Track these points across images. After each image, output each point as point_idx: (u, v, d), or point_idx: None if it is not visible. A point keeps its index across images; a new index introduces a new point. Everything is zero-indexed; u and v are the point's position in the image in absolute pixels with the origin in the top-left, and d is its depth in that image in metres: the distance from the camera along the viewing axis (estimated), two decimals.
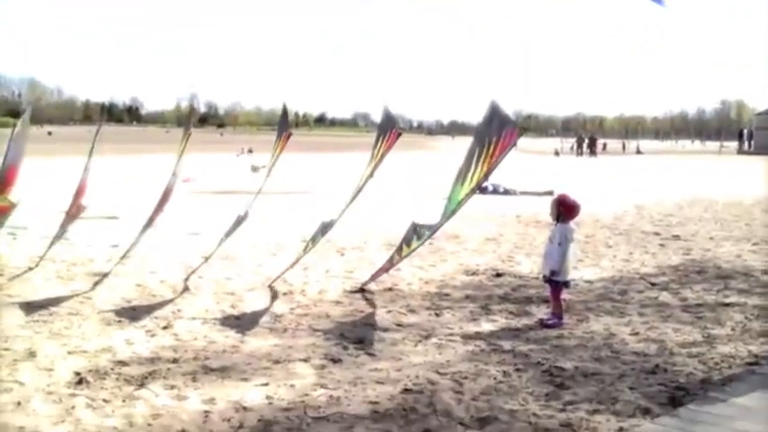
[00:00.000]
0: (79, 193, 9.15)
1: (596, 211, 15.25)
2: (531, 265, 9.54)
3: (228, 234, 8.67)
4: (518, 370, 5.52)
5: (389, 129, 7.67)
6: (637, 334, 6.53)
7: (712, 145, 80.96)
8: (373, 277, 8.33)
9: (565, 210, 7.00)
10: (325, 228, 8.29)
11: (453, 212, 6.99)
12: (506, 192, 18.80)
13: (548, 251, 7.02)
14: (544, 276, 7.07)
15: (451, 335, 6.46)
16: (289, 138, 8.36)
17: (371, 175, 7.57)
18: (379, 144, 7.77)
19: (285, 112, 8.91)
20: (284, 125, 8.70)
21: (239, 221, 8.55)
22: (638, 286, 8.49)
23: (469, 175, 6.85)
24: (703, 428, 4.40)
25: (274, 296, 7.85)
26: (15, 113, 79.51)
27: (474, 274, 9.11)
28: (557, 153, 50.33)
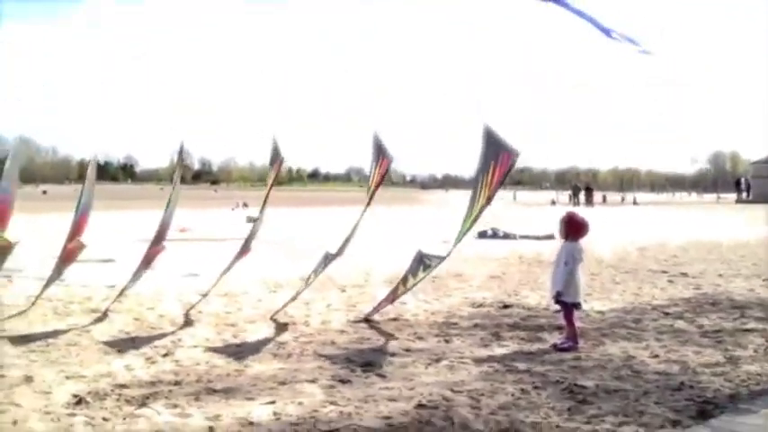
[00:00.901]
0: (78, 229, 8.94)
1: (599, 252, 15.10)
2: (538, 299, 9.33)
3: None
4: (536, 388, 5.28)
5: (380, 157, 7.58)
6: (656, 356, 6.30)
7: (709, 197, 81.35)
8: (378, 308, 8.10)
9: (572, 228, 6.87)
10: (327, 259, 8.11)
11: (460, 239, 6.85)
12: (506, 236, 18.67)
13: (555, 272, 6.85)
14: (554, 298, 6.86)
15: (463, 358, 6.22)
16: (281, 165, 8.22)
17: (368, 203, 7.48)
18: (373, 173, 7.69)
19: (275, 143, 8.65)
20: (276, 154, 8.47)
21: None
22: (652, 315, 8.27)
23: (475, 205, 6.81)
24: None
25: (277, 327, 7.61)
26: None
27: (481, 306, 8.89)
28: (553, 203, 50.48)
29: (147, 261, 8.56)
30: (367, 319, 7.93)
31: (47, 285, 9.03)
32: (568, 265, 6.68)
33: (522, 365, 5.92)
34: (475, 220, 6.71)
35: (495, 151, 6.41)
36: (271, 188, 8.27)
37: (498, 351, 6.51)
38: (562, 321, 7.59)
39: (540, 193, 72.42)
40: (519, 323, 7.78)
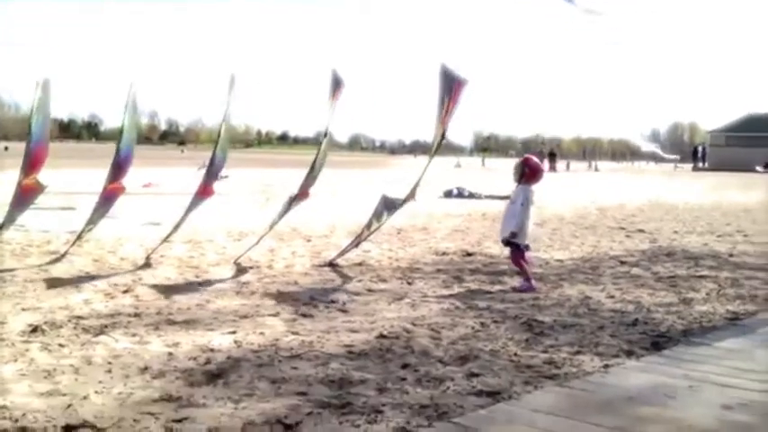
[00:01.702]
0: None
1: (559, 211, 15.30)
2: (500, 249, 9.38)
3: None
4: (495, 322, 5.36)
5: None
6: (612, 297, 6.44)
7: (668, 166, 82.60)
8: (342, 252, 8.12)
9: (529, 170, 6.92)
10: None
11: (424, 171, 7.26)
12: (471, 195, 18.77)
13: (508, 213, 6.90)
14: (503, 240, 6.92)
15: (425, 296, 6.28)
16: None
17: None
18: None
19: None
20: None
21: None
22: (609, 264, 8.44)
23: (435, 138, 6.91)
24: (691, 366, 4.27)
25: (240, 270, 7.58)
26: None
27: (444, 254, 8.96)
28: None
29: (107, 198, 8.30)
30: (331, 264, 7.94)
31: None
32: (524, 206, 6.73)
33: (482, 304, 5.99)
34: (435, 152, 7.07)
35: (449, 85, 6.58)
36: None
37: (459, 291, 6.58)
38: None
39: (507, 160, 72.74)
40: (480, 269, 7.86)
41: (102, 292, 6.23)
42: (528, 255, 6.99)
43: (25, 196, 8.39)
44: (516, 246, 6.78)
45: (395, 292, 6.50)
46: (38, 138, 7.97)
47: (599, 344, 4.79)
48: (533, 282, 6.72)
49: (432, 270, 7.73)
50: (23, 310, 5.48)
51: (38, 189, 8.29)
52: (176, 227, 8.34)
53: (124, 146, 8.07)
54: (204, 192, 7.83)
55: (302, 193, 7.83)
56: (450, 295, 6.36)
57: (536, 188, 7.02)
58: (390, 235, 10.64)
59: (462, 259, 8.54)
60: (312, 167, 7.78)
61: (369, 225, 7.95)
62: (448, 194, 18.90)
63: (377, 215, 7.82)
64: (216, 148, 7.83)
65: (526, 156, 7.31)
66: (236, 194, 17.89)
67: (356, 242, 8.06)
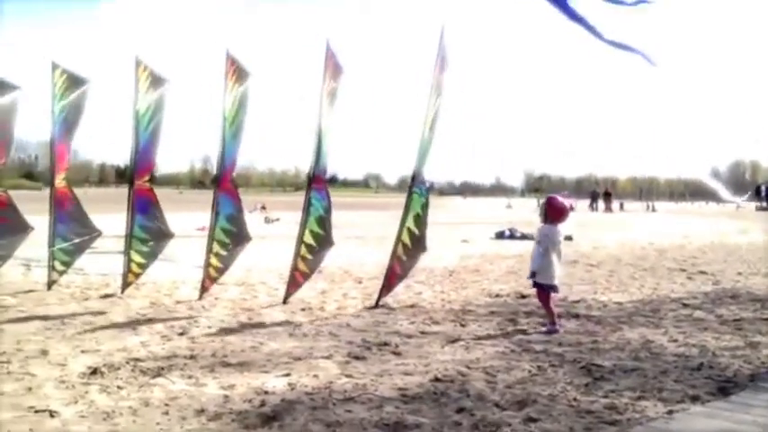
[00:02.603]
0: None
1: (616, 252, 14.99)
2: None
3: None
4: (553, 366, 5.23)
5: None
6: (675, 341, 6.22)
7: (729, 205, 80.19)
8: (390, 286, 8.09)
9: (550, 210, 6.89)
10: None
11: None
12: (524, 236, 18.51)
13: (534, 253, 6.86)
14: (530, 278, 6.88)
15: (479, 339, 6.19)
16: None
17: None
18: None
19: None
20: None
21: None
22: (671, 306, 8.17)
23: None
24: (759, 412, 4.08)
25: (292, 312, 7.60)
26: (32, 176, 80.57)
27: (498, 296, 8.83)
28: (571, 208, 50.06)
29: (140, 200, 8.57)
30: (382, 305, 7.90)
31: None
32: (542, 244, 6.71)
33: (538, 347, 5.86)
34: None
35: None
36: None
37: (514, 334, 6.45)
38: (580, 310, 7.58)
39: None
40: (535, 311, 7.70)
41: (158, 334, 6.31)
42: (553, 296, 6.89)
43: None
44: (541, 286, 6.70)
45: (448, 334, 6.42)
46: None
47: (662, 389, 4.62)
48: (558, 324, 6.61)
49: (485, 312, 7.62)
50: (83, 352, 5.58)
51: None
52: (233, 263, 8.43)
53: (142, 139, 8.41)
54: (222, 186, 8.08)
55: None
56: (505, 338, 6.25)
57: (562, 228, 7.00)
58: (443, 277, 10.57)
59: (516, 301, 8.40)
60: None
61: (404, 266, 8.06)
62: (500, 236, 18.73)
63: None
64: (226, 136, 8.04)
65: (549, 196, 7.34)
66: (286, 237, 18.06)
67: (399, 273, 8.07)
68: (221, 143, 8.04)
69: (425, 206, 8.19)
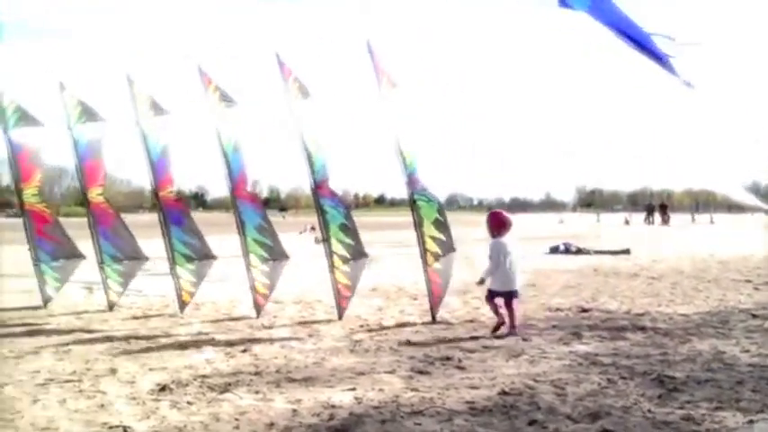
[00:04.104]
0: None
1: (676, 265, 14.63)
2: (618, 305, 9.06)
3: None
4: (623, 378, 5.10)
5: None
6: (748, 351, 6.02)
7: None
8: (437, 297, 8.06)
9: (492, 224, 7.46)
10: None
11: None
12: (579, 251, 18.25)
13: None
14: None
15: (543, 352, 6.08)
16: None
17: None
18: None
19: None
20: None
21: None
22: (740, 317, 7.92)
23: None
24: None
25: (351, 329, 7.59)
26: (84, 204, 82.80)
27: (558, 310, 8.68)
28: (626, 222, 49.13)
29: (171, 212, 8.97)
30: (439, 321, 7.85)
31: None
32: (492, 258, 7.23)
33: (606, 360, 5.73)
34: None
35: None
36: None
37: (579, 347, 6.33)
38: (645, 323, 7.44)
39: (611, 215, 70.71)
40: (599, 324, 7.56)
41: (221, 351, 6.37)
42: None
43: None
44: (498, 294, 7.24)
45: (510, 348, 6.33)
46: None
47: (740, 399, 4.47)
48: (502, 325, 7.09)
49: (546, 326, 7.50)
50: (150, 369, 5.67)
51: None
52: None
53: (153, 155, 8.75)
54: (238, 192, 8.40)
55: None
56: (571, 351, 6.12)
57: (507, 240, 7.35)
58: None
59: (578, 315, 8.25)
60: None
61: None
62: (554, 250, 18.47)
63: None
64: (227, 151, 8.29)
65: (492, 211, 8.08)
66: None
67: (439, 283, 8.01)
68: (223, 158, 8.29)
69: (441, 210, 8.16)
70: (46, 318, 8.57)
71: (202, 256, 8.93)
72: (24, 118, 9.37)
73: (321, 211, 8.09)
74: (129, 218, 10.43)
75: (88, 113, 9.29)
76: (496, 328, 7.10)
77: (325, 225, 8.09)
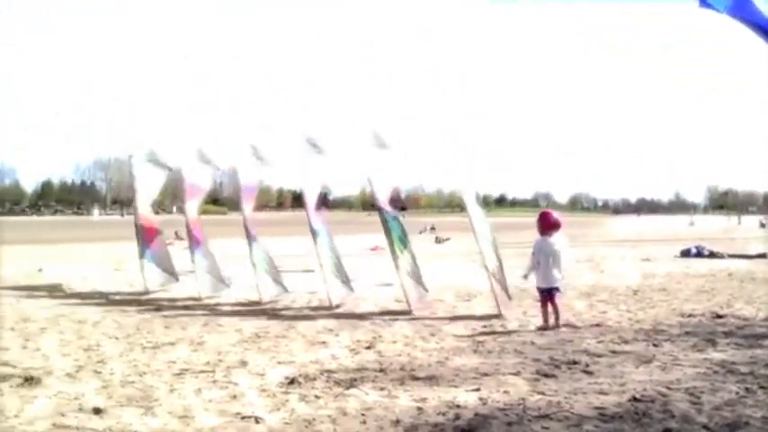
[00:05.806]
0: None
1: None
2: (754, 311, 8.56)
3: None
4: (763, 387, 4.82)
5: None
6: None
7: None
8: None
9: (542, 224, 7.77)
10: None
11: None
12: (712, 254, 17.34)
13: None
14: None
15: (676, 359, 5.83)
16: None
17: None
18: None
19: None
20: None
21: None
22: None
23: None
24: None
25: (473, 328, 7.57)
26: (217, 201, 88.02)
27: (690, 315, 8.30)
28: (762, 225, 46.32)
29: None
30: (564, 324, 7.68)
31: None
32: (536, 255, 7.65)
33: (743, 368, 5.43)
34: None
35: None
36: None
37: (714, 355, 6.02)
38: None
39: (745, 217, 66.65)
40: (735, 331, 7.17)
41: (346, 347, 6.53)
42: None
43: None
44: (544, 291, 7.61)
45: (640, 353, 6.11)
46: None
47: None
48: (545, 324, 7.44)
49: (678, 332, 7.19)
50: (279, 363, 5.89)
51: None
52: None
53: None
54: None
55: None
56: (705, 359, 5.84)
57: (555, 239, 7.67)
58: (626, 296, 10.12)
59: (712, 321, 7.85)
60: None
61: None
62: (685, 254, 17.64)
63: None
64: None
65: (543, 210, 8.43)
66: (456, 256, 18.24)
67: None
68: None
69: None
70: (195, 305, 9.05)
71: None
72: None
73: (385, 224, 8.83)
74: (255, 214, 10.88)
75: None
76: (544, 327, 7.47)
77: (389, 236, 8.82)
